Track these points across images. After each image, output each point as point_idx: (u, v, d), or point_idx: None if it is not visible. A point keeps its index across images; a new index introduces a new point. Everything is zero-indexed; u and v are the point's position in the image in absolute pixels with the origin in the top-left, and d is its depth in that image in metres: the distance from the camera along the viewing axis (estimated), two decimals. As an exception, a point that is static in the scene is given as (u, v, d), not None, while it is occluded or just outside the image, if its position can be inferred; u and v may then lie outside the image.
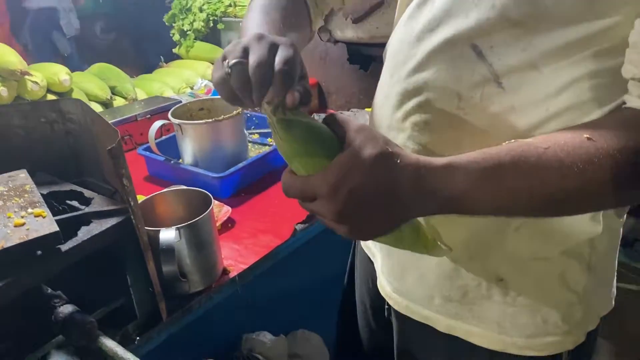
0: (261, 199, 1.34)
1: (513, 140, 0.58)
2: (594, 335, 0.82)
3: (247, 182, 1.37)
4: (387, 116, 0.76)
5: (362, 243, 0.99)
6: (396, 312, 0.89)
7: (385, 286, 0.88)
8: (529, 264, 0.73)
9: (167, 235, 0.93)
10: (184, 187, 1.09)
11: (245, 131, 1.44)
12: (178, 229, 0.96)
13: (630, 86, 0.60)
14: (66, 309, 0.84)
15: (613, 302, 0.83)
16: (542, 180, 0.55)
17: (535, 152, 0.55)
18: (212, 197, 1.03)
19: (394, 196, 0.55)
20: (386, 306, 0.94)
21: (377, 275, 0.91)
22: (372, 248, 0.94)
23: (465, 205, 0.56)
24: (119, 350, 0.79)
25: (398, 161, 0.55)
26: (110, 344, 0.81)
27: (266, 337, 1.37)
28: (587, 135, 0.55)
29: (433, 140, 0.71)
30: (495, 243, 0.73)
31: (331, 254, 1.35)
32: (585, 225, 0.71)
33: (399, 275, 0.84)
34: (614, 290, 0.83)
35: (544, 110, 0.64)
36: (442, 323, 0.81)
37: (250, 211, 1.29)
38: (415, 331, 0.86)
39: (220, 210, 1.24)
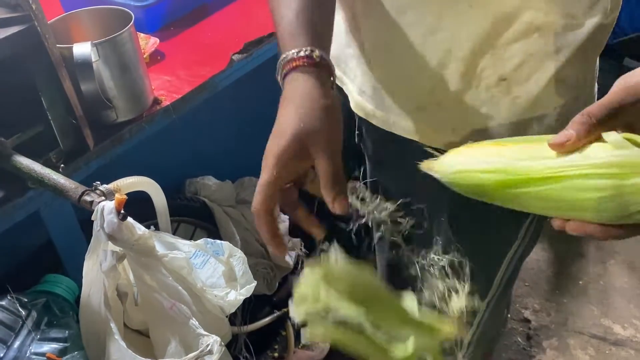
0: (193, 33, 1.22)
1: None
2: None
3: (176, 15, 1.24)
4: None
5: None
6: (373, 132, 0.84)
7: (366, 106, 0.81)
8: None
9: (82, 49, 0.82)
10: (100, 6, 0.97)
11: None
12: (94, 45, 0.85)
13: None
14: (-30, 128, 0.75)
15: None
16: None
17: None
18: (132, 14, 0.92)
19: None
20: (357, 131, 0.90)
21: (352, 98, 0.84)
22: (342, 76, 0.86)
23: None
24: (36, 167, 0.72)
25: None
26: (26, 161, 0.73)
27: (211, 180, 1.33)
28: None
29: None
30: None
31: (278, 93, 1.27)
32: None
33: (383, 91, 0.78)
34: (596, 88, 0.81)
35: None
36: (429, 136, 0.77)
37: (181, 44, 1.18)
38: (395, 146, 0.82)
39: (147, 43, 1.13)
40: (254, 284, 0.78)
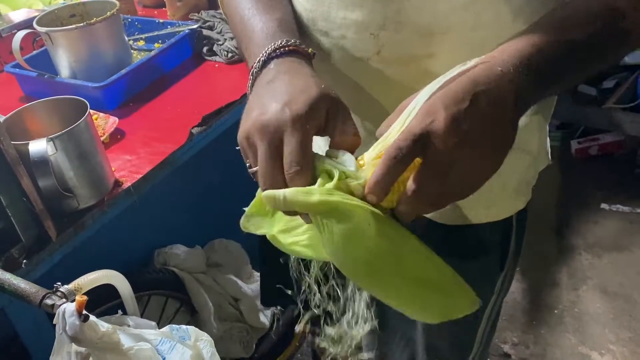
0: (152, 107, 1.25)
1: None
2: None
3: (134, 90, 1.26)
4: None
5: None
6: None
7: None
8: None
9: (38, 146, 0.84)
10: (55, 97, 0.99)
11: (126, 37, 1.32)
12: (51, 139, 0.87)
13: None
14: None
15: (550, 157, 0.85)
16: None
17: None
18: (87, 103, 0.94)
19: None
20: None
21: None
22: None
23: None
24: (-5, 272, 0.72)
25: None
26: (-15, 267, 0.73)
27: (180, 249, 1.33)
28: None
29: None
30: None
31: (239, 158, 1.29)
32: None
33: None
34: (549, 144, 0.85)
35: None
36: None
37: (140, 120, 1.20)
38: None
39: (106, 122, 1.15)
40: (223, 367, 0.79)
